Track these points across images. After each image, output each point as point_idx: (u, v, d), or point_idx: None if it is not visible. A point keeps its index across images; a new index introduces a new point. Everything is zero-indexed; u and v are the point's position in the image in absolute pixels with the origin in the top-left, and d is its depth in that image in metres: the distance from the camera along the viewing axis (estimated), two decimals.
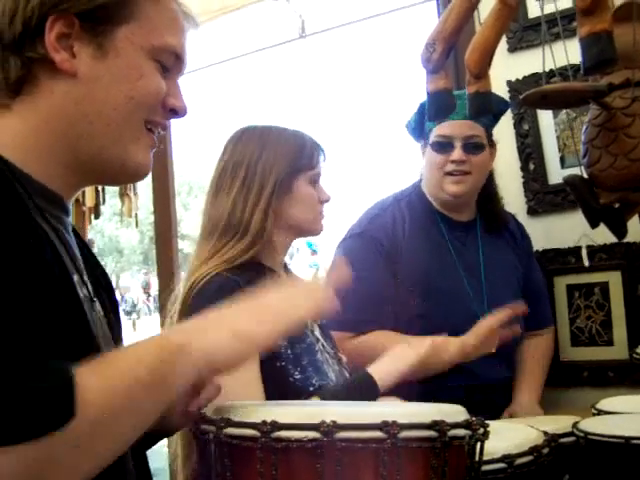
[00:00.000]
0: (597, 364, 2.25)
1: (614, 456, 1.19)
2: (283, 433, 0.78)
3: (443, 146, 2.00)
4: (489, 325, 1.77)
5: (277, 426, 0.79)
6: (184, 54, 0.97)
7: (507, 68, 2.36)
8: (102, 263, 1.06)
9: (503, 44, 2.33)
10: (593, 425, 1.27)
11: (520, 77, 2.37)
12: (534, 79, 2.29)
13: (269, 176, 1.55)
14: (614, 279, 2.24)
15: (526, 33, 2.36)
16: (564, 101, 1.75)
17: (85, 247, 1.00)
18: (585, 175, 1.70)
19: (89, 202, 3.37)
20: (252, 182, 1.55)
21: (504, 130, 2.38)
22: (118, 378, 0.74)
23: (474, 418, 0.87)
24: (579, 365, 2.29)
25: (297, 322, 0.88)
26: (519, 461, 1.14)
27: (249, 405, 0.88)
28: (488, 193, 2.13)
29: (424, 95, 2.01)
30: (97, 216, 3.48)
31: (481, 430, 0.87)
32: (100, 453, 0.73)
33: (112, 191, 3.68)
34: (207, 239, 1.56)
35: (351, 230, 2.07)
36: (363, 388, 1.41)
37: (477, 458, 0.89)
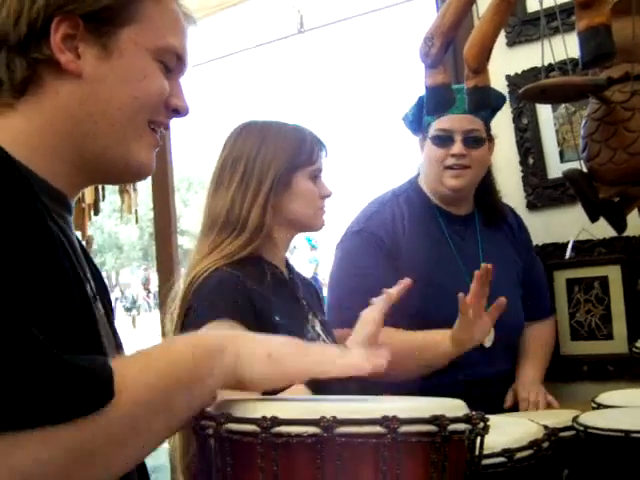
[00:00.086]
0: (597, 358, 2.26)
1: (614, 450, 1.19)
2: (283, 428, 0.78)
3: (443, 140, 2.00)
4: (467, 303, 1.69)
5: (277, 421, 0.79)
6: (186, 55, 0.99)
7: (506, 62, 2.36)
8: (102, 259, 1.07)
9: (502, 38, 2.33)
10: (593, 419, 1.27)
11: (519, 71, 2.37)
12: (533, 73, 2.29)
13: (268, 171, 1.55)
14: (614, 273, 2.24)
15: (525, 27, 2.36)
16: (563, 95, 1.75)
17: (81, 245, 1.01)
18: (584, 169, 1.70)
19: (88, 199, 3.38)
20: (251, 177, 1.55)
21: (503, 124, 2.38)
22: (158, 373, 0.75)
23: (474, 412, 0.87)
24: (579, 359, 2.29)
25: (329, 374, 0.86)
26: (519, 455, 1.15)
27: (249, 400, 0.88)
28: (486, 186, 2.13)
29: (422, 89, 2.02)
30: (96, 212, 3.48)
31: (481, 424, 0.87)
32: (133, 448, 0.74)
33: (111, 188, 3.68)
34: (207, 234, 1.57)
35: (350, 228, 2.07)
36: None
37: (477, 452, 0.89)
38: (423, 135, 2.08)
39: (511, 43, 2.39)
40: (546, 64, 1.89)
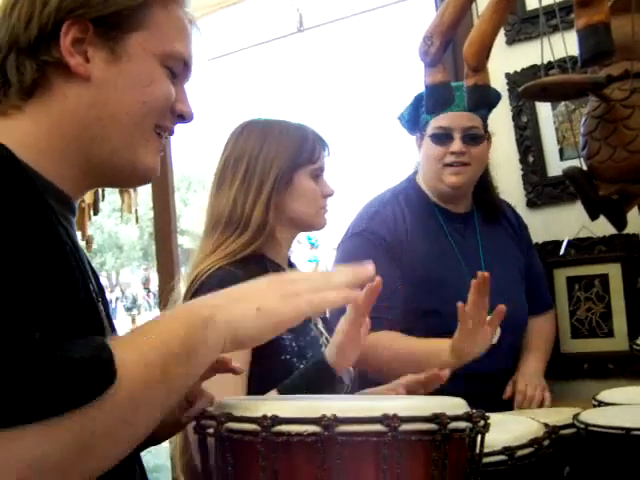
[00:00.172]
0: (597, 356, 2.26)
1: (614, 447, 1.19)
2: (284, 427, 0.79)
3: (442, 138, 2.00)
4: (466, 313, 1.60)
5: (278, 420, 0.79)
6: (191, 61, 1.00)
7: (505, 60, 2.36)
8: (102, 259, 1.08)
9: (501, 37, 2.33)
10: (593, 416, 1.27)
11: (518, 69, 2.37)
12: (532, 71, 2.29)
13: (270, 170, 1.55)
14: (614, 271, 2.24)
15: (524, 25, 2.36)
16: (563, 93, 1.74)
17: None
18: (584, 167, 1.70)
19: (88, 199, 3.38)
20: (253, 176, 1.56)
21: (503, 122, 2.38)
22: (152, 350, 0.75)
23: (474, 410, 0.88)
24: (579, 357, 2.29)
25: (320, 307, 0.88)
26: (520, 453, 1.15)
27: (249, 400, 0.88)
28: (483, 183, 2.13)
29: (420, 88, 2.02)
30: (96, 212, 3.48)
31: (481, 422, 0.87)
32: (137, 424, 0.75)
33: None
34: (210, 233, 1.57)
35: (352, 229, 2.06)
36: (320, 373, 1.38)
37: (478, 450, 0.89)
38: (420, 133, 2.08)
39: (510, 41, 2.39)
40: (546, 62, 1.89)
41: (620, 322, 2.23)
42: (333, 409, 0.79)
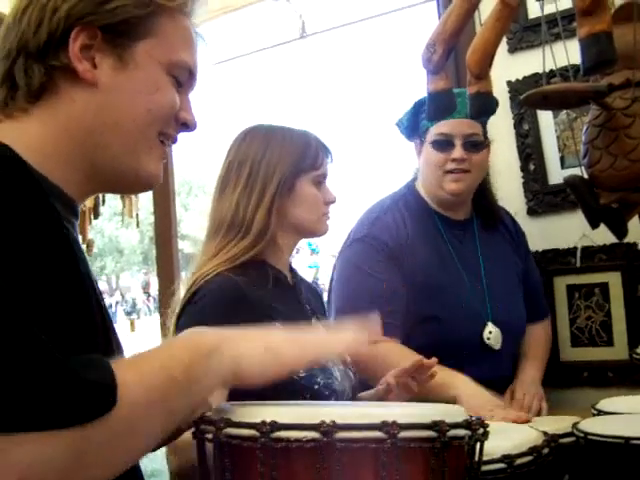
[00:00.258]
0: (597, 364, 2.26)
1: (614, 456, 1.19)
2: (283, 433, 0.78)
3: (443, 144, 2.00)
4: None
5: (277, 426, 0.79)
6: (196, 70, 1.01)
7: (507, 68, 2.36)
8: (102, 263, 1.09)
9: (503, 45, 2.33)
10: (593, 425, 1.27)
11: (520, 77, 2.37)
12: (534, 79, 2.29)
13: (272, 175, 1.56)
14: (614, 279, 2.24)
15: (526, 33, 2.36)
16: (564, 102, 1.75)
17: None
18: (585, 175, 1.70)
19: (89, 202, 3.37)
20: (255, 181, 1.56)
21: (504, 130, 2.38)
22: (154, 376, 0.76)
23: (473, 418, 0.87)
24: (579, 365, 2.29)
25: (327, 355, 0.89)
26: (519, 461, 1.14)
27: (248, 405, 0.88)
28: (483, 190, 2.13)
29: (421, 94, 2.02)
30: (96, 216, 3.48)
31: (481, 430, 0.87)
32: (132, 448, 0.75)
33: None
34: (212, 237, 1.58)
35: (353, 235, 2.06)
36: None
37: (477, 458, 0.89)
38: (420, 140, 2.08)
39: (512, 49, 2.39)
40: (547, 70, 1.89)
41: (620, 331, 2.22)
42: (332, 415, 0.78)
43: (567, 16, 2.04)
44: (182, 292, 1.54)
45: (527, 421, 1.55)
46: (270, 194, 1.55)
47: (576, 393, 2.27)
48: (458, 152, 1.98)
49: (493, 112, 1.63)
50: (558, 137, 2.34)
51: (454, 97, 1.67)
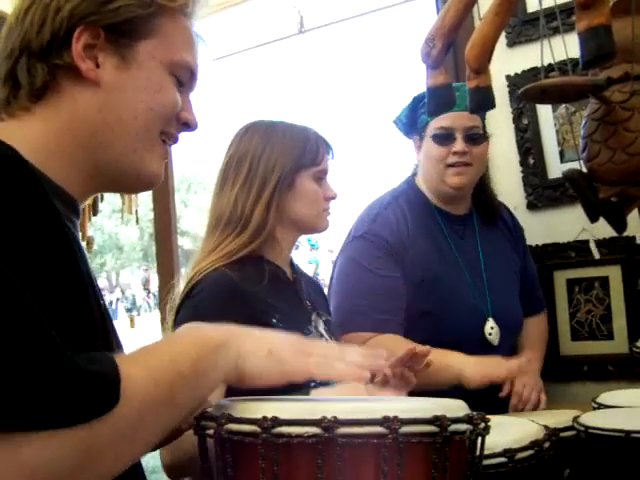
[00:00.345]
0: (597, 358, 2.26)
1: (614, 450, 1.19)
2: (284, 429, 0.79)
3: (444, 138, 2.00)
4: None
5: (278, 422, 0.79)
6: (197, 71, 1.02)
7: (506, 63, 2.36)
8: (102, 260, 1.09)
9: (502, 39, 2.33)
10: (593, 419, 1.27)
11: (519, 72, 2.37)
12: (533, 73, 2.29)
13: (272, 171, 1.56)
14: (614, 273, 2.25)
15: (525, 28, 2.36)
16: (563, 95, 1.75)
17: None
18: (584, 169, 1.70)
19: (88, 199, 3.36)
20: (255, 177, 1.56)
21: (503, 125, 2.38)
22: (161, 370, 0.76)
23: (475, 413, 0.88)
24: (579, 359, 2.29)
25: (326, 372, 0.89)
26: (520, 455, 1.15)
27: (250, 401, 0.88)
28: (482, 185, 2.13)
29: (419, 90, 2.02)
30: (95, 213, 3.48)
31: (482, 425, 0.87)
32: (140, 442, 0.76)
33: None
34: (211, 233, 1.58)
35: (354, 232, 2.05)
36: None
37: (478, 452, 0.89)
38: (420, 135, 2.08)
39: (511, 43, 2.39)
40: (546, 64, 1.89)
41: (620, 324, 2.23)
42: (334, 411, 0.78)
43: (565, 10, 2.04)
44: (182, 287, 1.54)
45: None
46: (269, 190, 1.55)
47: (576, 387, 2.27)
48: (459, 145, 1.98)
49: (493, 106, 1.63)
50: (557, 131, 2.34)
51: (453, 92, 1.67)
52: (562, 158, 2.34)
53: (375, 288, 1.91)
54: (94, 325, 0.82)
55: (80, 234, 1.00)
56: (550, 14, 2.00)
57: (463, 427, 0.84)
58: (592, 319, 2.28)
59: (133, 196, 3.48)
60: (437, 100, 1.65)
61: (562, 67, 1.99)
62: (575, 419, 1.30)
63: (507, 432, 1.21)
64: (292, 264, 1.68)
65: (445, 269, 2.01)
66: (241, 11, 3.18)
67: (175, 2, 0.97)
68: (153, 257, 3.97)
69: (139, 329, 17.99)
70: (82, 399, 0.67)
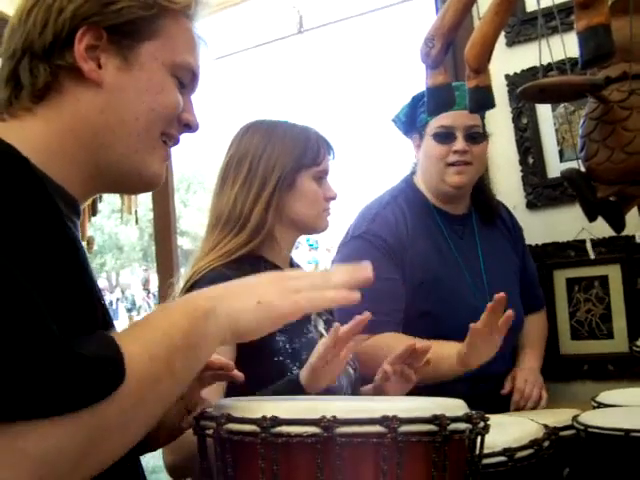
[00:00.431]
0: (597, 357, 2.26)
1: (614, 449, 1.19)
2: (283, 428, 0.79)
3: (445, 137, 2.00)
4: (479, 331, 1.59)
5: (277, 421, 0.79)
6: (199, 72, 1.03)
7: (505, 62, 2.36)
8: (102, 260, 1.10)
9: (501, 38, 2.33)
10: (593, 418, 1.27)
11: (518, 71, 2.37)
12: (532, 73, 2.29)
13: (272, 171, 1.56)
14: (614, 272, 2.25)
15: (524, 27, 2.36)
16: (561, 95, 1.74)
17: None
18: (583, 169, 1.70)
19: (88, 200, 3.36)
20: (255, 176, 1.56)
21: (503, 124, 2.38)
22: (156, 344, 0.77)
23: (474, 412, 0.88)
24: (579, 358, 2.29)
25: (318, 304, 0.89)
26: (519, 454, 1.15)
27: (249, 401, 0.88)
28: (480, 185, 2.14)
29: (419, 89, 2.02)
30: (94, 213, 3.48)
31: (481, 424, 0.87)
32: (144, 418, 0.76)
33: None
34: (211, 232, 1.58)
35: (352, 231, 2.05)
36: (290, 392, 1.36)
37: (477, 452, 0.89)
38: (419, 134, 2.08)
39: (510, 43, 2.39)
40: (545, 64, 1.89)
41: (620, 323, 2.23)
42: (333, 410, 0.79)
43: (564, 9, 2.04)
44: (181, 286, 1.54)
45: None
46: (269, 189, 1.55)
47: (576, 386, 2.28)
48: (460, 144, 1.98)
49: (492, 106, 1.63)
50: (557, 130, 2.34)
51: (453, 91, 1.67)
52: (561, 157, 2.34)
53: (373, 290, 1.90)
54: (97, 321, 0.83)
55: (80, 234, 1.00)
56: (549, 14, 2.00)
57: (462, 426, 0.84)
58: (592, 318, 2.28)
59: (132, 196, 3.48)
60: (436, 100, 1.65)
61: (561, 66, 1.99)
62: (575, 418, 1.30)
63: (507, 431, 1.22)
64: (292, 264, 1.68)
65: (445, 269, 2.00)
66: (240, 11, 3.18)
67: (177, 4, 0.97)
68: (153, 257, 3.98)
69: None
70: (86, 383, 0.67)
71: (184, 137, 1.05)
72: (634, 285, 2.21)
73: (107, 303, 1.04)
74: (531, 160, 2.40)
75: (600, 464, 1.24)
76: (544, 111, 2.35)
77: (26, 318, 0.66)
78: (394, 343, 1.76)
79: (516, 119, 2.41)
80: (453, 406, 0.88)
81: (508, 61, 2.37)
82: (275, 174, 1.56)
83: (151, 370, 0.75)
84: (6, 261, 0.67)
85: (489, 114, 2.08)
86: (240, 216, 1.54)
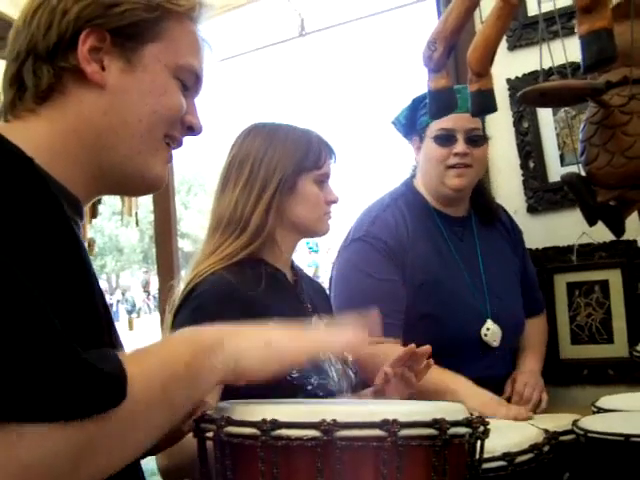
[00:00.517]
0: (597, 362, 2.26)
1: (614, 454, 1.19)
2: (283, 431, 0.79)
3: (445, 139, 2.00)
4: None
5: (277, 424, 0.79)
6: (202, 75, 1.03)
7: (507, 66, 2.36)
8: (102, 262, 1.10)
9: (502, 42, 2.32)
10: (593, 423, 1.27)
11: (520, 75, 2.37)
12: (534, 77, 2.29)
13: (273, 174, 1.56)
14: (614, 277, 2.25)
15: (525, 31, 2.36)
16: (562, 99, 1.74)
17: None
18: (583, 173, 1.70)
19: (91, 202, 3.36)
20: (256, 179, 1.56)
21: (504, 128, 2.38)
22: (156, 370, 0.77)
23: (474, 416, 0.88)
24: (579, 363, 2.29)
25: (323, 349, 0.90)
26: (519, 459, 1.15)
27: (249, 403, 0.88)
28: (479, 187, 2.14)
29: (419, 92, 2.02)
30: (94, 215, 3.48)
31: (481, 428, 0.87)
32: (134, 444, 0.75)
33: None
34: (212, 235, 1.58)
35: (353, 234, 2.05)
36: None
37: (477, 456, 0.89)
38: (419, 136, 2.08)
39: (512, 47, 2.39)
40: (546, 68, 1.89)
41: (620, 328, 2.23)
42: (333, 414, 0.79)
43: (565, 14, 2.04)
44: (181, 288, 1.54)
45: (528, 418, 1.55)
46: (270, 192, 1.55)
47: (576, 391, 2.27)
48: (461, 146, 1.98)
49: (495, 109, 1.63)
50: (558, 135, 2.34)
51: (455, 95, 1.67)
52: (562, 162, 2.34)
53: (374, 292, 1.91)
54: (100, 323, 0.83)
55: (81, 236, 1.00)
56: (550, 18, 2.00)
57: (462, 430, 0.84)
58: (592, 323, 2.28)
59: (133, 198, 3.48)
60: (438, 103, 1.65)
61: (562, 71, 1.99)
62: (575, 423, 1.29)
63: (507, 435, 1.21)
64: (293, 267, 1.68)
65: (445, 271, 2.01)
66: (242, 14, 3.18)
67: (181, 6, 0.97)
68: (153, 259, 3.98)
69: (138, 332, 17.98)
70: (88, 394, 0.67)
71: (186, 139, 1.05)
72: (634, 290, 2.21)
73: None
74: (532, 164, 2.40)
75: (600, 469, 1.24)
76: (545, 115, 2.35)
77: (35, 321, 0.65)
78: (392, 352, 1.76)
79: (517, 123, 2.41)
80: (453, 410, 0.87)
81: (509, 65, 2.37)
82: (276, 177, 1.55)
83: (148, 395, 0.74)
84: (10, 261, 0.67)
85: (490, 118, 2.09)
86: (241, 219, 1.54)
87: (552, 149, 2.36)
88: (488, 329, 1.96)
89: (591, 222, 1.71)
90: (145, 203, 4.02)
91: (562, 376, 2.28)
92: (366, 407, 0.92)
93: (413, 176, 2.17)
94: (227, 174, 1.61)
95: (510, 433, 1.25)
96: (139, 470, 0.97)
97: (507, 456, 1.13)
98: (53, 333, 0.66)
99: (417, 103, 2.07)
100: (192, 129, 1.03)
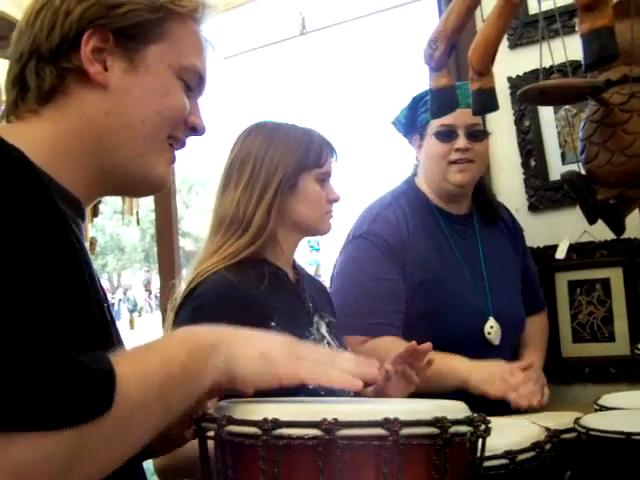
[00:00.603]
0: (599, 360, 2.26)
1: (616, 452, 1.19)
2: (285, 431, 0.78)
3: (447, 135, 2.00)
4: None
5: (278, 423, 0.79)
6: (205, 75, 1.03)
7: (508, 64, 2.36)
8: (104, 261, 1.09)
9: (503, 41, 2.32)
10: (595, 421, 1.27)
11: (521, 73, 2.37)
12: (534, 75, 2.28)
13: (274, 173, 1.56)
14: (615, 275, 2.25)
15: (526, 30, 2.36)
16: (562, 97, 1.74)
17: None
18: (583, 171, 1.70)
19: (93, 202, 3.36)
20: (257, 178, 1.56)
21: (505, 126, 2.38)
22: (152, 371, 0.76)
23: (475, 414, 0.88)
24: (581, 361, 2.29)
25: (317, 378, 0.87)
26: (521, 457, 1.14)
27: (250, 402, 0.88)
28: (481, 185, 2.14)
29: (419, 90, 2.02)
30: (96, 214, 3.48)
31: (482, 426, 0.87)
32: (130, 443, 0.75)
33: None
34: (214, 234, 1.58)
35: (354, 231, 2.05)
36: None
37: (479, 454, 0.89)
38: (420, 134, 2.08)
39: (513, 45, 2.39)
40: (546, 66, 1.89)
41: (621, 326, 2.23)
42: (334, 412, 0.78)
43: (565, 12, 2.04)
44: (183, 287, 1.54)
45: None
46: (272, 191, 1.55)
47: (578, 389, 2.27)
48: (462, 142, 1.99)
49: (496, 108, 1.63)
50: (559, 133, 2.34)
51: (456, 93, 1.67)
52: (564, 160, 2.34)
53: (374, 291, 1.91)
54: (94, 327, 0.82)
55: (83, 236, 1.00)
56: (550, 16, 2.00)
57: (464, 429, 0.84)
58: (593, 321, 2.28)
59: (134, 198, 3.49)
60: (440, 102, 1.65)
61: (562, 69, 1.99)
62: (576, 421, 1.29)
63: (508, 434, 1.21)
64: (295, 266, 1.68)
65: (446, 269, 2.01)
66: (243, 13, 3.18)
67: (184, 7, 0.97)
68: (154, 258, 3.98)
69: (139, 330, 17.99)
70: (76, 401, 0.66)
71: (188, 139, 1.05)
72: (636, 288, 2.21)
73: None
74: (533, 163, 2.40)
75: (601, 467, 1.23)
76: (546, 114, 2.35)
77: (27, 326, 0.65)
78: (393, 347, 1.76)
79: (518, 121, 2.41)
80: (454, 408, 0.87)
81: (510, 63, 2.37)
82: (277, 176, 1.55)
83: (144, 395, 0.74)
84: (5, 264, 0.67)
85: (491, 116, 2.08)
86: (243, 218, 1.54)
87: (553, 147, 2.36)
88: (492, 327, 1.96)
89: (591, 220, 1.71)
90: (146, 202, 4.03)
91: (564, 374, 2.28)
92: (367, 406, 0.92)
93: (414, 174, 2.17)
94: (228, 174, 1.61)
95: (511, 431, 1.25)
96: (140, 470, 0.97)
97: (509, 454, 1.13)
98: (45, 338, 0.66)
99: (417, 101, 2.07)
100: (195, 130, 1.03)
